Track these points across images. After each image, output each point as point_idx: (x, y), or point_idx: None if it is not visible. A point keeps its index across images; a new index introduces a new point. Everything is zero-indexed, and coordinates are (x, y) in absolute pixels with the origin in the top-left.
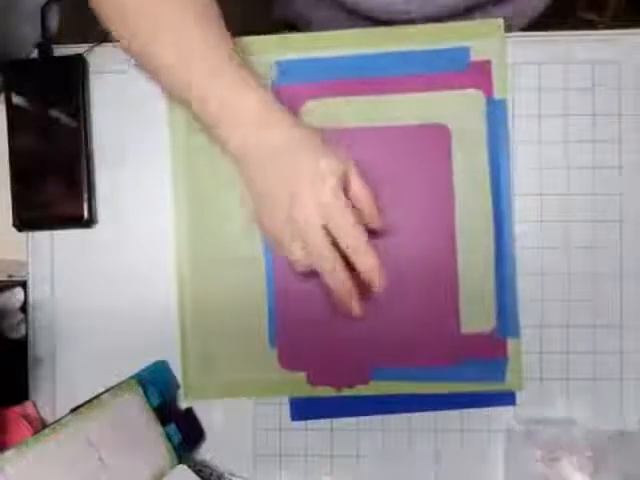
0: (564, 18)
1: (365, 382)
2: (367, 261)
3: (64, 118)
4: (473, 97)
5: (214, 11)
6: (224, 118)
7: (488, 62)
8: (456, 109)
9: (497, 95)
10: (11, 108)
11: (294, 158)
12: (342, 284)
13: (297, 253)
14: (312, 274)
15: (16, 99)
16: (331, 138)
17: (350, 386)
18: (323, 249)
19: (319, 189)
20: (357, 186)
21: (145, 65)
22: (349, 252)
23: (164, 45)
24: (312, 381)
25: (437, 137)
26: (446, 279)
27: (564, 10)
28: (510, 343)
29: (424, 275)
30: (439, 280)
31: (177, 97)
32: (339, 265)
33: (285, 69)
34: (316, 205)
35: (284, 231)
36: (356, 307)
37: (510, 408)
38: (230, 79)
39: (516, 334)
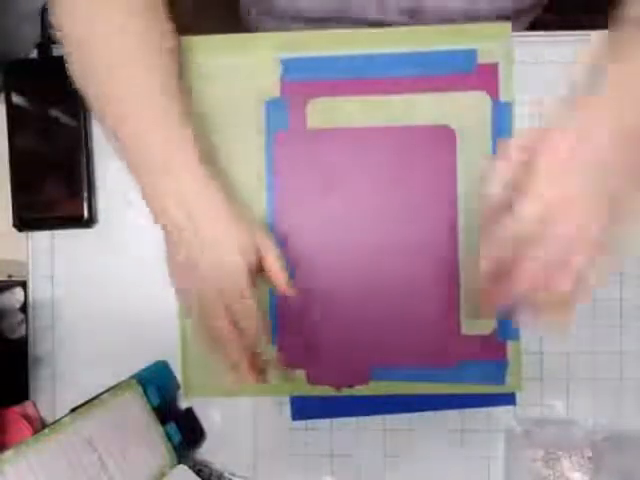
0: (564, 18)
1: (365, 382)
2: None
3: (64, 118)
4: (479, 99)
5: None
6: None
7: (495, 65)
8: (462, 111)
9: (503, 98)
10: (11, 108)
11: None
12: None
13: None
14: (312, 275)
15: (16, 99)
16: (336, 137)
17: (350, 386)
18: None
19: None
20: (270, 262)
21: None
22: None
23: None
24: (312, 380)
25: (442, 138)
26: (447, 281)
27: (564, 10)
28: (510, 346)
29: (425, 276)
30: (440, 282)
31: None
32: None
33: (291, 67)
34: (219, 295)
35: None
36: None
37: (510, 408)
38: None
39: (516, 337)
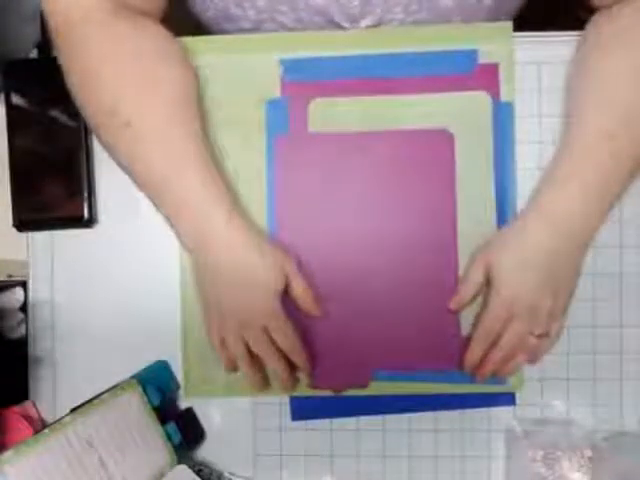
0: (563, 18)
1: (365, 385)
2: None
3: (64, 118)
4: (480, 99)
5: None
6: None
7: (495, 65)
8: (462, 111)
9: (504, 98)
10: (11, 108)
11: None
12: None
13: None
14: (313, 278)
15: (16, 99)
16: (336, 141)
17: (351, 388)
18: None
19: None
20: (297, 288)
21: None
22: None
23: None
24: (312, 385)
25: (441, 142)
26: (448, 282)
27: (563, 10)
28: None
29: (425, 279)
30: (440, 284)
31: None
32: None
33: (290, 67)
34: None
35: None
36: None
37: (510, 408)
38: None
39: None
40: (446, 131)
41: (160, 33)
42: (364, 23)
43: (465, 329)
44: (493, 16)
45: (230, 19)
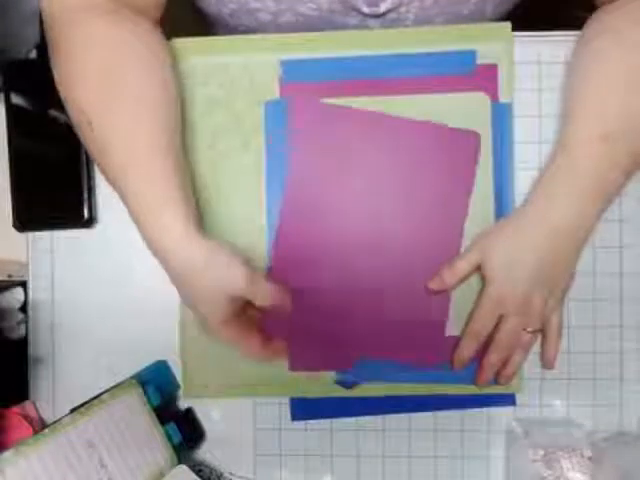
0: (563, 18)
1: (349, 366)
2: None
3: (64, 118)
4: (479, 100)
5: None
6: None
7: (494, 66)
8: (461, 112)
9: (502, 99)
10: (11, 108)
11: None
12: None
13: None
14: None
15: (16, 99)
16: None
17: (334, 369)
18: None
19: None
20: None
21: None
22: None
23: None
24: (294, 366)
25: (467, 143)
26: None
27: (563, 10)
28: None
29: (427, 278)
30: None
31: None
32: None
33: (290, 69)
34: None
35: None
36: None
37: (510, 408)
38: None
39: None
40: (475, 132)
41: (150, 38)
42: (384, 6)
43: (457, 330)
44: None
45: (249, 12)
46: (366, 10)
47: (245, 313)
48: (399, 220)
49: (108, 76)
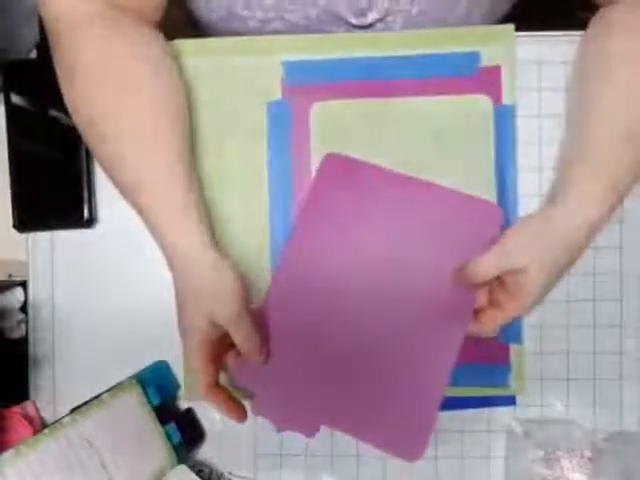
0: (563, 18)
1: (311, 435)
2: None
3: (64, 118)
4: (482, 102)
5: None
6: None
7: (498, 68)
8: (464, 113)
9: (505, 101)
10: (11, 108)
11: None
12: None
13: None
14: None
15: (16, 99)
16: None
17: (296, 431)
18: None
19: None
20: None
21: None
22: None
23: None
24: (256, 411)
25: (486, 215)
26: (444, 364)
27: (563, 10)
28: (513, 349)
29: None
30: (435, 366)
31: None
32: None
33: (293, 70)
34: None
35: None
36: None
37: (510, 408)
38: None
39: (519, 340)
40: (492, 204)
41: (155, 44)
42: (371, 17)
43: None
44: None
45: (237, 19)
46: (353, 21)
47: (225, 340)
48: (404, 291)
49: (120, 91)
